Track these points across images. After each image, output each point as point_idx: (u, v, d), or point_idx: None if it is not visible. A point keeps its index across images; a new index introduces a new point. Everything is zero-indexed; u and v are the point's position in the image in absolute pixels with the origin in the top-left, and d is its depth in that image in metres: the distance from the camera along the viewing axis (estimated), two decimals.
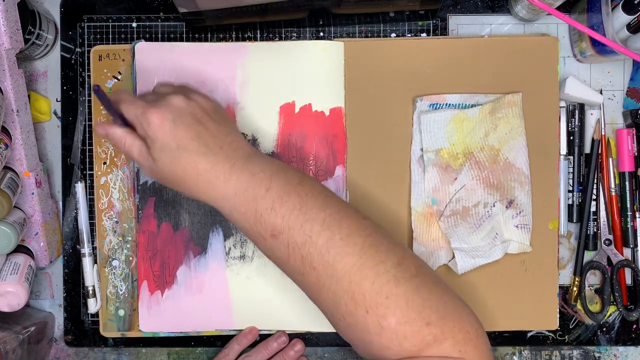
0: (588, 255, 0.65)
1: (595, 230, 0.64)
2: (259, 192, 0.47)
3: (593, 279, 0.66)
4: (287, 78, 0.63)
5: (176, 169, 0.48)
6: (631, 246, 0.64)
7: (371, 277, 0.44)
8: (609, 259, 0.64)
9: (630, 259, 0.64)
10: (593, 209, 0.64)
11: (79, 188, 0.64)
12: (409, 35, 0.65)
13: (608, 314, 0.65)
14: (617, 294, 0.64)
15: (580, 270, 0.64)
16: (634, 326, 0.65)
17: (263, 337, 0.64)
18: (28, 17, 0.59)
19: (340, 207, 0.48)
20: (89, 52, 0.64)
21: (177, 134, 0.48)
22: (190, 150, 0.48)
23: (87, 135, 0.65)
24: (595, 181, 0.64)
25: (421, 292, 0.45)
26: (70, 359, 0.67)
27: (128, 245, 0.64)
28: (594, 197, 0.64)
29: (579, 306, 0.65)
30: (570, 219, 0.65)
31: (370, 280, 0.44)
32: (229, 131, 0.51)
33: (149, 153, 0.49)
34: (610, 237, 0.64)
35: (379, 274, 0.45)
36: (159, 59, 0.62)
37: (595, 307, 0.65)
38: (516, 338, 0.65)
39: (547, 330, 0.65)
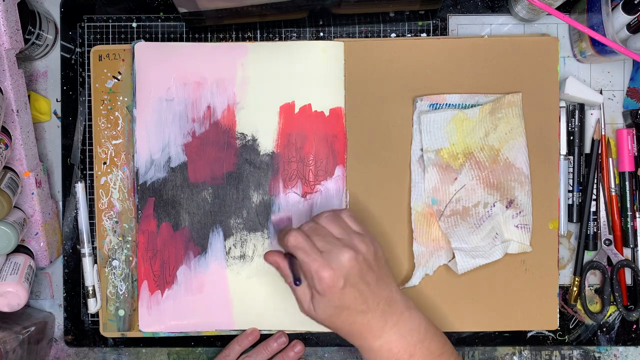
0: (588, 255, 0.65)
1: (595, 230, 0.64)
2: (402, 356, 0.51)
3: (593, 279, 0.65)
4: (287, 78, 0.63)
5: (335, 321, 0.52)
6: (631, 246, 0.64)
7: None
8: (609, 259, 0.64)
9: (630, 259, 0.64)
10: (593, 209, 0.64)
11: (79, 188, 0.64)
12: (409, 35, 0.65)
13: (608, 314, 0.65)
14: (617, 294, 0.64)
15: (580, 270, 0.64)
16: (634, 326, 0.65)
17: (263, 337, 0.64)
18: (28, 17, 0.59)
19: None
20: (89, 52, 0.64)
21: (343, 296, 0.50)
22: (350, 309, 0.51)
23: (87, 135, 0.65)
24: (595, 181, 0.64)
25: None
26: (70, 359, 0.67)
27: (128, 245, 0.64)
28: (594, 197, 0.64)
29: (578, 306, 0.65)
30: (570, 219, 0.65)
31: None
32: (387, 284, 0.53)
33: (311, 300, 0.52)
34: (610, 237, 0.64)
35: None
36: (159, 59, 0.62)
37: (595, 307, 0.65)
38: (516, 338, 0.65)
39: (547, 330, 0.65)
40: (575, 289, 0.64)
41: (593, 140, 0.64)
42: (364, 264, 0.51)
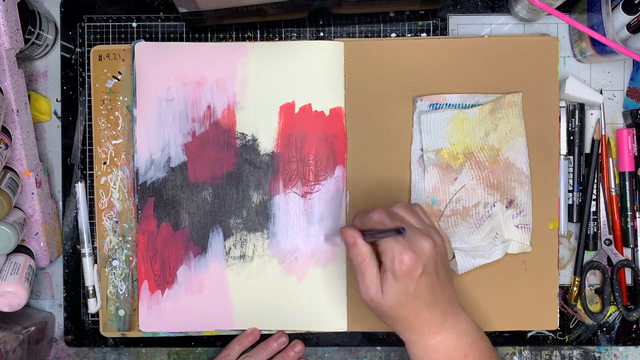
0: (588, 255, 0.65)
1: (595, 230, 0.64)
2: (458, 355, 0.52)
3: (593, 279, 0.65)
4: (287, 78, 0.63)
5: (401, 309, 0.50)
6: (631, 246, 0.64)
7: None
8: (609, 259, 0.64)
9: (630, 258, 0.64)
10: (593, 209, 0.64)
11: (79, 188, 0.64)
12: (409, 35, 0.65)
13: (608, 314, 0.65)
14: (617, 294, 0.64)
15: (581, 270, 0.64)
16: (634, 326, 0.65)
17: (263, 337, 0.64)
18: (28, 17, 0.59)
19: None
20: (89, 52, 0.64)
21: (419, 284, 0.50)
22: (421, 300, 0.50)
23: (87, 135, 0.65)
24: (596, 181, 0.64)
25: None
26: (70, 359, 0.67)
27: (128, 245, 0.64)
28: (594, 197, 0.64)
29: (579, 306, 0.65)
30: (570, 219, 0.65)
31: None
32: (450, 282, 0.54)
33: (382, 284, 0.50)
34: (611, 237, 0.64)
35: None
36: (159, 59, 0.62)
37: (595, 307, 0.65)
38: (516, 338, 0.65)
39: (547, 330, 0.65)
40: (575, 289, 0.64)
41: (593, 140, 0.64)
42: (439, 257, 0.51)
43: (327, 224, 0.63)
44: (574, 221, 0.64)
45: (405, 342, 0.53)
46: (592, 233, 0.64)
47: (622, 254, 0.64)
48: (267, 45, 0.63)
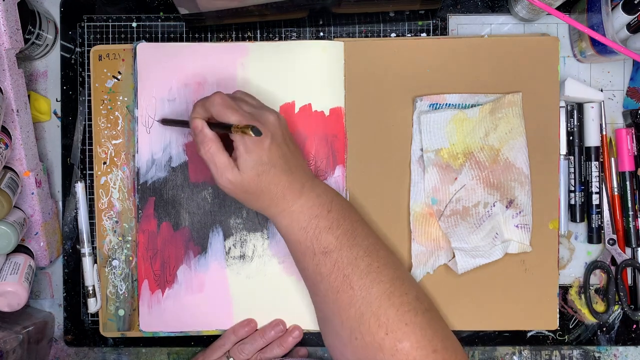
0: (589, 255, 0.65)
1: (599, 224, 0.64)
2: (321, 211, 0.54)
3: (593, 279, 0.65)
4: (287, 78, 0.63)
5: (261, 182, 0.52)
6: (633, 246, 0.64)
7: (397, 305, 0.52)
8: (612, 259, 0.64)
9: (632, 258, 0.64)
10: (596, 204, 0.64)
11: (79, 188, 0.64)
12: (409, 35, 0.65)
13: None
14: (622, 294, 0.64)
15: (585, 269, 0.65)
16: (634, 326, 0.65)
17: None
18: (28, 17, 0.59)
19: (377, 239, 0.56)
20: (89, 52, 0.64)
21: (271, 151, 0.52)
22: (277, 167, 0.52)
23: (87, 135, 0.65)
24: (598, 180, 0.64)
25: (432, 323, 0.52)
26: (70, 358, 0.67)
27: (128, 245, 0.64)
28: (596, 190, 0.64)
29: (579, 306, 0.65)
30: (573, 219, 0.65)
31: (395, 308, 0.52)
32: (299, 152, 0.57)
33: (236, 162, 0.52)
34: (614, 236, 0.64)
35: (403, 303, 0.52)
36: (160, 60, 0.62)
37: (596, 307, 0.65)
38: (516, 338, 0.65)
39: (547, 330, 0.65)
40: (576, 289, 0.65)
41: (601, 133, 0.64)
42: (284, 129, 0.55)
43: None
44: (577, 220, 0.64)
45: (272, 219, 0.55)
46: (596, 227, 0.64)
47: (625, 253, 0.64)
48: (267, 45, 0.63)
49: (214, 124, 0.53)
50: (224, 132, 0.52)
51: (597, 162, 0.64)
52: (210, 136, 0.52)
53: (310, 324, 0.64)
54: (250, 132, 0.49)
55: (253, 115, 0.53)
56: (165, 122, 0.62)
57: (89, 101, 0.64)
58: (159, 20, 0.65)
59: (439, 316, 0.55)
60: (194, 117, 0.53)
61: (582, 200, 0.64)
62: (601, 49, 0.59)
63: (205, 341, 0.66)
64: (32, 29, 0.60)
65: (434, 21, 0.65)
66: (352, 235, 0.54)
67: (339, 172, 0.63)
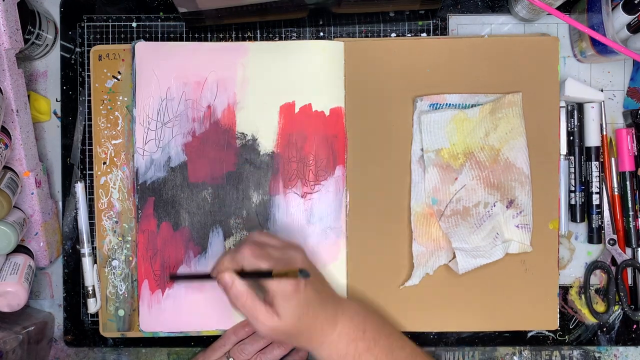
0: (589, 255, 0.65)
1: (599, 223, 0.64)
2: (357, 334, 0.54)
3: (593, 279, 0.65)
4: (287, 78, 0.63)
5: (301, 324, 0.53)
6: (633, 246, 0.64)
7: None
8: (613, 259, 0.64)
9: (632, 258, 0.64)
10: (597, 205, 0.64)
11: (79, 188, 0.64)
12: (409, 35, 0.65)
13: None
14: (622, 294, 0.64)
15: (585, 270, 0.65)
16: (634, 326, 0.65)
17: None
18: (28, 17, 0.59)
19: (413, 347, 0.57)
20: (88, 52, 0.64)
21: (307, 291, 0.53)
22: (314, 304, 0.53)
23: (87, 135, 0.65)
24: (598, 180, 0.64)
25: None
26: (70, 359, 0.67)
27: (128, 245, 0.64)
28: (596, 190, 0.64)
29: (579, 306, 0.65)
30: (573, 219, 0.65)
31: None
32: (323, 276, 0.58)
33: (273, 310, 0.52)
34: (615, 236, 0.64)
35: None
36: (159, 59, 0.62)
37: (596, 307, 0.65)
38: (516, 338, 0.65)
39: (547, 330, 0.65)
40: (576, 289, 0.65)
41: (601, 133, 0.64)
42: (311, 262, 0.56)
43: (327, 224, 0.63)
44: (577, 221, 0.64)
45: (312, 352, 0.55)
46: (596, 227, 0.64)
47: (625, 253, 0.64)
48: (267, 45, 0.63)
49: (247, 274, 0.52)
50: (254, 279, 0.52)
51: (598, 162, 0.64)
52: (244, 290, 0.52)
53: None
54: (299, 276, 0.49)
55: (283, 260, 0.53)
56: (177, 278, 0.61)
57: (89, 101, 0.64)
58: (159, 20, 0.65)
59: None
60: (222, 270, 0.53)
61: (583, 200, 0.64)
62: (601, 49, 0.59)
63: (205, 341, 0.65)
64: (32, 29, 0.60)
65: (434, 21, 0.65)
66: (390, 350, 0.55)
67: (339, 172, 0.63)
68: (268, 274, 0.51)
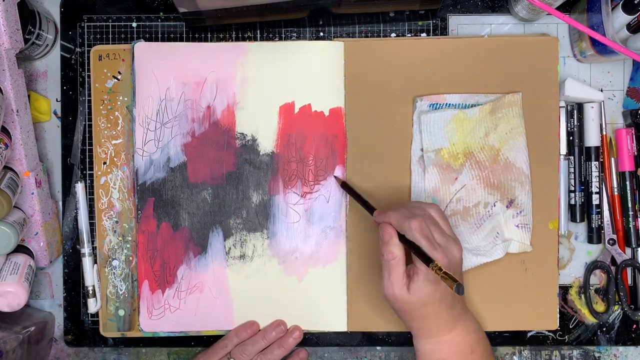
0: (589, 255, 0.65)
1: (599, 223, 0.64)
2: (465, 349, 0.55)
3: (593, 279, 0.65)
4: (287, 78, 0.63)
5: (423, 308, 0.53)
6: (633, 246, 0.64)
7: None
8: (612, 259, 0.64)
9: (632, 258, 0.64)
10: (596, 203, 0.64)
11: (79, 188, 0.64)
12: (409, 35, 0.65)
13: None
14: (622, 294, 0.64)
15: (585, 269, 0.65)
16: (634, 326, 0.65)
17: None
18: (28, 17, 0.59)
19: None
20: (89, 52, 0.64)
21: (445, 289, 0.52)
22: (444, 302, 0.53)
23: (87, 135, 0.65)
24: (598, 180, 0.64)
25: None
26: (70, 359, 0.67)
27: (128, 245, 0.64)
28: (596, 190, 0.64)
29: (579, 306, 0.65)
30: (573, 219, 0.65)
31: None
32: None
33: (409, 283, 0.52)
34: (614, 236, 0.64)
35: None
36: (159, 59, 0.62)
37: (596, 307, 0.65)
38: (516, 338, 0.65)
39: (547, 330, 0.65)
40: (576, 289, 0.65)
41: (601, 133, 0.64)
42: (461, 264, 0.55)
43: (327, 223, 0.63)
44: (577, 220, 0.64)
45: (416, 338, 0.56)
46: (596, 227, 0.64)
47: (625, 253, 0.64)
48: (267, 45, 0.63)
49: (409, 243, 0.52)
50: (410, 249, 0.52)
51: (597, 162, 0.64)
52: (397, 252, 0.52)
53: (310, 324, 0.64)
54: (452, 286, 0.47)
55: (443, 247, 0.52)
56: (347, 187, 0.61)
57: (89, 101, 0.64)
58: (159, 20, 0.65)
59: None
60: (386, 221, 0.53)
61: (582, 200, 0.64)
62: (601, 49, 0.59)
63: (205, 341, 0.66)
64: (32, 29, 0.60)
65: (434, 21, 0.65)
66: None
67: (339, 172, 0.63)
68: (427, 259, 0.50)
